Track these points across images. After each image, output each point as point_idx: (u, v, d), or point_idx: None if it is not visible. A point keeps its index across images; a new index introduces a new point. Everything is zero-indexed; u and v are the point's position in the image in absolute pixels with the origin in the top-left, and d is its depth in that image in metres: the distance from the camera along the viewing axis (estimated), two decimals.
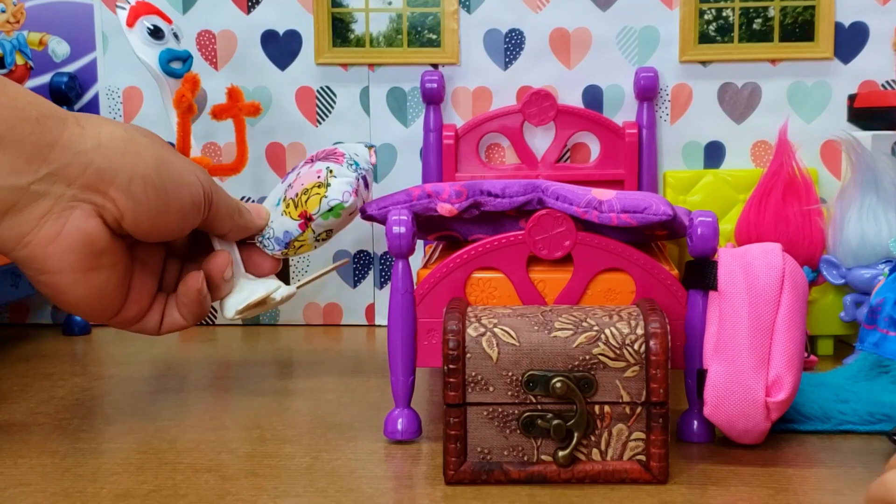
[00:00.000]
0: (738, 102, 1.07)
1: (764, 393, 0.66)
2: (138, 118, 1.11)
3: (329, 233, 0.80)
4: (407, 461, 0.69)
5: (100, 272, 0.70)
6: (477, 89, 1.09)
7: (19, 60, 1.11)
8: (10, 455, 0.71)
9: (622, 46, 1.07)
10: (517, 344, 0.63)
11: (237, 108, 0.98)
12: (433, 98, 1.05)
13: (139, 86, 1.11)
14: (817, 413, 0.74)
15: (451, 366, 0.63)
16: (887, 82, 1.05)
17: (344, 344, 1.04)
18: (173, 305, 0.76)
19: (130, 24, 0.92)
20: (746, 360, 0.66)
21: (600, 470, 0.63)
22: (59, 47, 1.11)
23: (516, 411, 0.63)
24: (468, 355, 0.63)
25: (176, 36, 0.96)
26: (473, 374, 0.63)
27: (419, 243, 1.02)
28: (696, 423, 0.71)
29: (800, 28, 1.05)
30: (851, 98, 1.02)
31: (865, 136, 0.96)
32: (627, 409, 0.63)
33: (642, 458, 0.64)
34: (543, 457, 0.63)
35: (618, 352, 0.63)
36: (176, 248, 0.79)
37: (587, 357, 0.63)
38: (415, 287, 0.72)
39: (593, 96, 1.08)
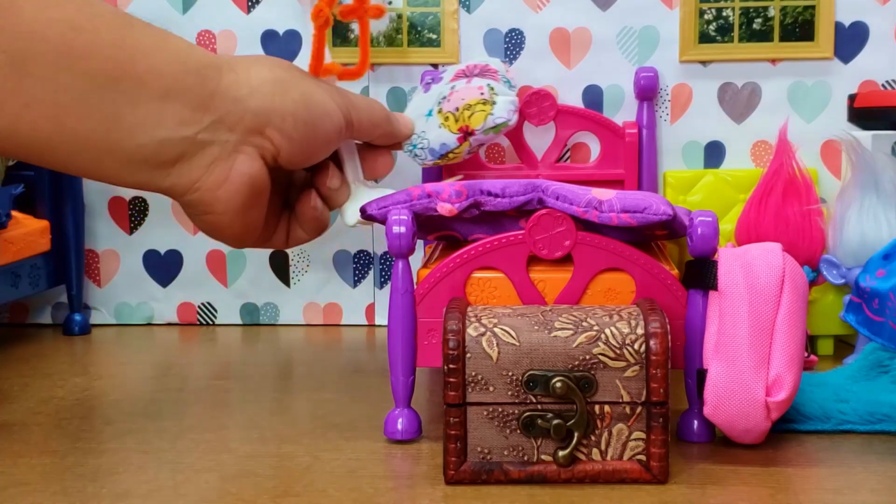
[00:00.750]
0: (738, 102, 1.07)
1: (764, 393, 0.66)
2: None
3: (480, 146, 0.84)
4: (407, 461, 0.69)
5: (256, 209, 0.75)
6: None
7: None
8: (10, 455, 0.71)
9: (622, 46, 1.07)
10: (517, 344, 0.63)
11: (363, 10, 0.96)
12: None
13: None
14: (817, 413, 0.74)
15: (451, 365, 0.63)
16: (887, 82, 1.05)
17: (344, 344, 1.04)
18: (295, 220, 0.82)
19: None
20: (746, 359, 0.66)
21: (600, 470, 0.63)
22: None
23: (516, 411, 0.63)
24: (468, 355, 0.63)
25: None
26: (473, 373, 0.63)
27: (419, 243, 1.02)
28: (696, 422, 0.71)
29: (800, 28, 1.05)
30: (851, 98, 1.02)
31: (865, 136, 0.96)
32: (627, 409, 0.63)
33: (642, 457, 0.64)
34: (543, 457, 0.64)
35: (618, 351, 0.63)
36: None
37: (587, 357, 0.63)
38: (415, 287, 0.72)
39: (593, 96, 1.08)
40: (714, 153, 1.08)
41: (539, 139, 1.07)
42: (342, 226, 1.10)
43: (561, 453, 0.63)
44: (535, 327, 0.64)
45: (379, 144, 0.85)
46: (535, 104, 1.04)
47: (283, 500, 0.62)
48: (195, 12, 1.09)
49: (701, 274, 0.69)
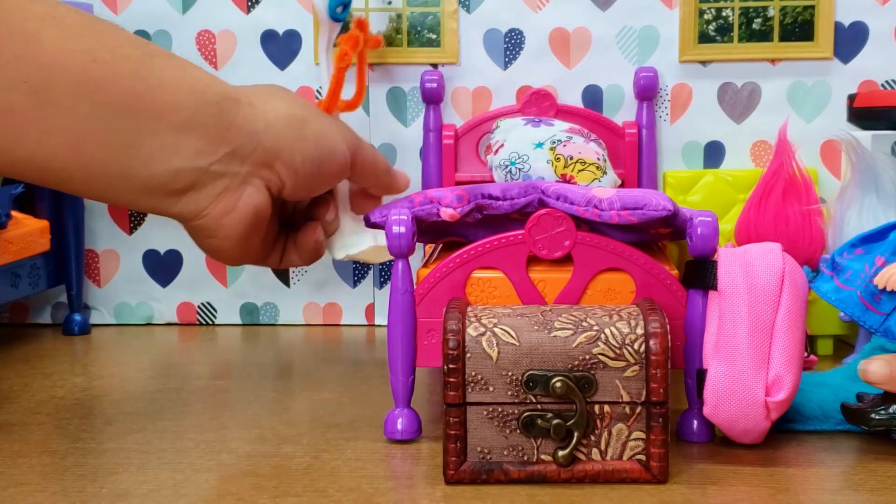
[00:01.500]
0: (738, 102, 1.07)
1: (764, 393, 0.66)
2: None
3: None
4: (407, 461, 0.69)
5: (257, 235, 0.76)
6: (477, 89, 1.09)
7: None
8: (10, 455, 0.71)
9: (622, 46, 1.07)
10: (517, 343, 0.63)
11: (363, 38, 0.94)
12: (433, 98, 1.05)
13: None
14: (816, 413, 0.74)
15: (450, 365, 0.63)
16: (887, 82, 1.05)
17: (344, 344, 1.04)
18: (292, 244, 0.83)
19: None
20: (746, 359, 0.66)
21: (600, 469, 0.63)
22: None
23: (516, 411, 0.63)
24: (468, 355, 0.63)
25: None
26: (473, 373, 0.63)
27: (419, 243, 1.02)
28: (695, 422, 0.71)
29: (799, 28, 1.06)
30: (851, 98, 1.02)
31: (865, 136, 0.96)
32: (627, 409, 0.63)
33: (642, 457, 0.64)
34: (543, 456, 0.64)
35: (618, 351, 0.63)
36: None
37: (587, 357, 0.63)
38: (415, 287, 0.72)
39: (593, 96, 1.08)
40: (714, 153, 1.08)
41: None
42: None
43: (561, 453, 0.63)
44: (535, 327, 0.64)
45: (372, 192, 0.86)
46: (535, 104, 1.04)
47: (283, 500, 0.62)
48: (195, 12, 1.09)
49: (701, 274, 0.69)
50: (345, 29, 0.94)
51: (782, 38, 1.06)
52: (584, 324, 0.64)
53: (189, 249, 1.11)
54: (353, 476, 0.66)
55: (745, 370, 0.66)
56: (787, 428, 0.73)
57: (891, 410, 0.69)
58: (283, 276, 1.12)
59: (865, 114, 0.99)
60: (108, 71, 0.67)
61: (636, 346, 0.63)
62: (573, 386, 0.62)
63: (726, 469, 0.66)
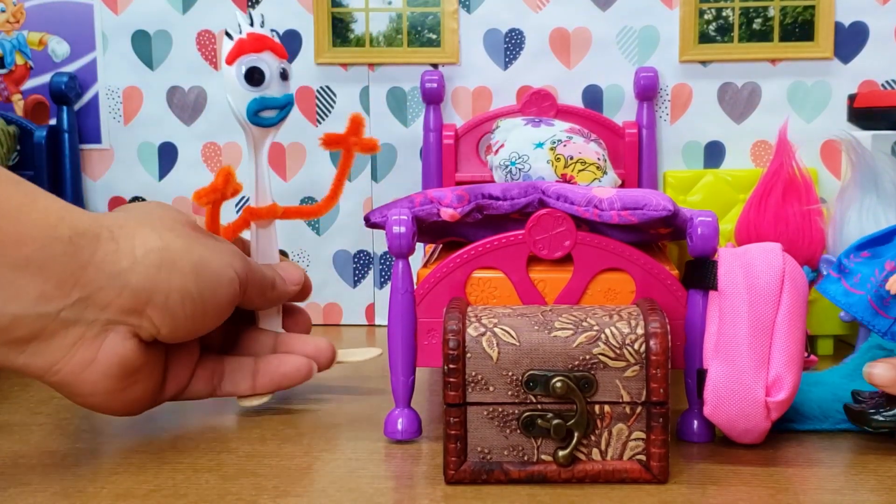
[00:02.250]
0: (738, 102, 1.07)
1: (764, 393, 0.66)
2: (137, 118, 1.11)
3: None
4: (407, 461, 0.69)
5: (136, 386, 0.69)
6: (477, 89, 1.09)
7: (19, 60, 1.11)
8: (10, 455, 0.71)
9: (622, 46, 1.07)
10: (517, 344, 0.63)
11: (352, 141, 0.82)
12: (433, 98, 1.05)
13: (139, 85, 1.11)
14: (816, 412, 0.74)
15: (451, 365, 0.63)
16: (887, 82, 1.05)
17: (344, 344, 1.04)
18: (233, 369, 0.77)
19: (229, 61, 0.77)
20: (746, 359, 0.66)
21: (600, 469, 0.63)
22: (58, 47, 1.11)
23: (516, 411, 0.63)
24: (468, 355, 0.63)
25: (283, 74, 0.80)
26: (473, 373, 0.63)
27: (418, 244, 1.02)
28: (696, 422, 0.71)
29: (800, 28, 1.05)
30: (851, 98, 1.02)
31: (865, 136, 0.96)
32: (627, 409, 0.63)
33: (642, 457, 0.64)
34: (543, 456, 0.63)
35: (618, 351, 0.63)
36: None
37: (587, 357, 0.63)
38: (415, 287, 0.72)
39: (593, 96, 1.08)
40: (714, 153, 1.08)
41: None
42: (342, 226, 1.10)
43: (561, 453, 0.63)
44: (535, 327, 0.64)
45: (260, 308, 0.80)
46: (536, 104, 1.04)
47: (284, 500, 0.62)
48: (195, 12, 1.09)
49: (701, 274, 0.69)
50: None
51: (782, 38, 1.06)
52: (585, 324, 0.64)
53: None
54: (354, 476, 0.66)
55: (746, 370, 0.66)
56: (786, 428, 0.73)
57: (894, 412, 0.69)
58: None
59: (866, 114, 0.99)
60: None
61: (636, 346, 0.63)
62: (573, 386, 0.62)
63: (726, 469, 0.66)
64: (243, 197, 1.10)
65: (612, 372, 0.63)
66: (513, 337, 0.63)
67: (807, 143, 1.05)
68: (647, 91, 1.05)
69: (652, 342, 0.63)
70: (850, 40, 1.05)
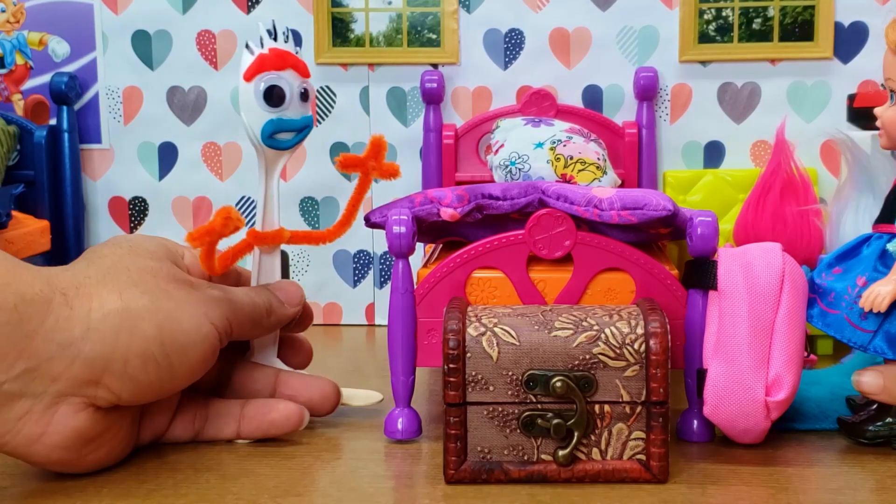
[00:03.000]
0: (738, 102, 1.07)
1: (764, 392, 0.66)
2: (137, 118, 1.11)
3: None
4: (407, 461, 0.69)
5: (99, 451, 0.65)
6: (477, 89, 1.09)
7: (19, 60, 1.11)
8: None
9: (622, 46, 1.07)
10: (517, 343, 0.63)
11: (371, 165, 0.75)
12: (433, 98, 1.05)
13: (139, 85, 1.11)
14: (815, 411, 0.74)
15: (451, 365, 0.63)
16: None
17: (344, 343, 1.05)
18: (218, 413, 0.72)
19: (248, 77, 0.71)
20: (746, 359, 0.66)
21: (600, 469, 0.63)
22: (59, 47, 1.11)
23: (516, 411, 0.63)
24: (468, 355, 0.63)
25: (304, 94, 0.73)
26: (473, 373, 0.63)
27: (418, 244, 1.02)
28: (695, 422, 0.71)
29: (799, 28, 1.06)
30: (851, 98, 1.02)
31: (865, 136, 0.96)
32: (627, 409, 0.63)
33: (642, 457, 0.64)
34: (543, 456, 0.64)
35: (618, 351, 0.63)
36: None
37: (587, 356, 0.63)
38: (415, 287, 0.72)
39: (593, 96, 1.08)
40: (714, 153, 1.08)
41: None
42: None
43: (561, 453, 0.63)
44: (535, 327, 0.64)
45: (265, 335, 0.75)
46: (535, 104, 1.04)
47: (284, 499, 0.62)
48: (195, 12, 1.09)
49: (701, 274, 0.69)
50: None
51: (782, 38, 1.06)
52: (585, 323, 0.64)
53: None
54: (354, 476, 0.66)
55: (745, 370, 0.66)
56: (786, 427, 0.73)
57: (886, 421, 0.69)
58: (284, 276, 1.12)
59: (865, 114, 0.99)
60: None
61: (636, 346, 0.63)
62: (573, 385, 0.62)
63: (726, 469, 0.66)
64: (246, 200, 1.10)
65: (612, 371, 0.63)
66: (513, 336, 0.63)
67: (806, 143, 1.05)
68: (647, 91, 1.05)
69: (652, 342, 0.63)
70: (850, 40, 1.06)
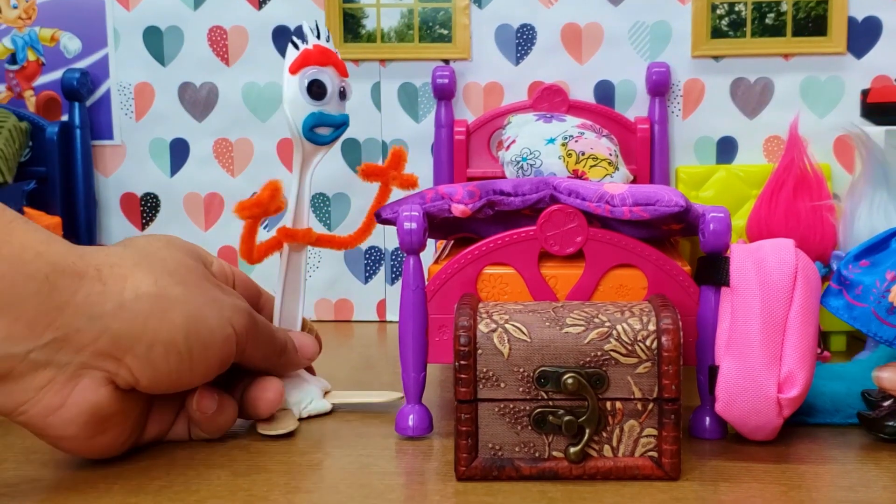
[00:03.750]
0: (751, 97, 1.07)
1: (776, 389, 0.65)
2: (149, 115, 1.11)
3: None
4: (418, 457, 0.69)
5: (108, 433, 0.65)
6: (488, 84, 1.08)
7: (31, 56, 1.11)
8: (23, 451, 0.71)
9: (634, 41, 1.07)
10: (528, 340, 0.63)
11: (392, 175, 0.77)
12: (444, 93, 1.05)
13: (150, 81, 1.11)
14: (828, 406, 0.74)
15: (462, 362, 0.63)
16: None
17: (355, 340, 1.05)
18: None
19: (293, 70, 0.73)
20: (759, 356, 0.65)
21: (612, 466, 0.63)
22: (70, 43, 1.12)
23: (528, 407, 0.63)
24: (479, 351, 0.63)
25: (343, 94, 0.76)
26: (485, 370, 0.63)
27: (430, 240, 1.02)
28: (708, 419, 0.71)
29: (812, 22, 1.05)
30: (864, 93, 1.01)
31: (879, 132, 0.95)
32: (639, 406, 0.63)
33: (654, 454, 0.63)
34: (555, 453, 0.63)
35: (629, 348, 0.63)
36: None
37: (599, 353, 0.62)
38: (426, 283, 0.72)
39: (605, 91, 1.08)
40: (726, 148, 1.08)
41: None
42: (353, 222, 1.11)
43: (572, 450, 0.63)
44: (547, 323, 0.63)
45: (270, 373, 0.74)
46: (547, 99, 1.04)
47: (295, 495, 0.62)
48: (207, 8, 1.09)
49: (713, 270, 0.69)
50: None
51: (795, 33, 1.05)
52: (596, 320, 0.64)
53: (202, 245, 1.11)
54: (365, 472, 0.66)
55: (758, 367, 0.65)
56: (798, 421, 0.73)
57: None
58: None
59: (879, 109, 0.99)
60: None
61: (648, 343, 0.63)
62: (585, 382, 0.62)
63: (738, 466, 0.66)
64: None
65: (624, 368, 0.63)
66: (524, 333, 0.63)
67: (819, 139, 1.05)
68: (659, 86, 1.04)
69: (664, 338, 0.62)
70: (864, 35, 1.05)
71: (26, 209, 1.02)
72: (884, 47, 1.05)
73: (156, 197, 1.12)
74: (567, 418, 0.62)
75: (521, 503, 0.60)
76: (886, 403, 0.70)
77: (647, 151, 1.04)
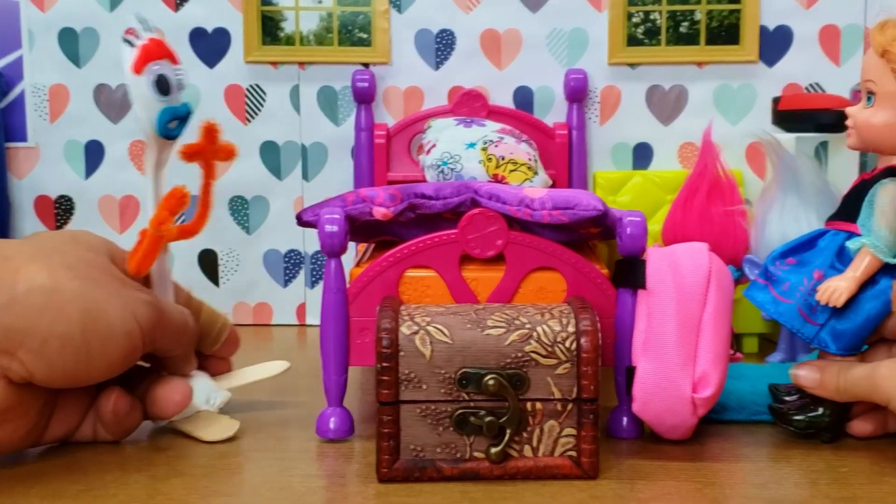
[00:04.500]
0: (666, 104, 1.09)
1: (691, 389, 0.67)
2: (64, 116, 1.09)
3: None
4: (339, 460, 0.69)
5: (4, 427, 0.64)
6: (408, 89, 1.09)
7: None
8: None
9: (552, 48, 1.08)
10: (450, 342, 0.63)
11: (211, 150, 0.75)
12: (364, 97, 1.05)
13: (65, 83, 1.09)
14: (733, 404, 0.76)
15: (384, 364, 0.63)
16: (811, 85, 1.08)
17: (275, 343, 1.04)
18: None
19: (138, 69, 0.70)
20: (674, 357, 0.67)
21: (532, 466, 0.64)
22: None
23: (449, 409, 0.63)
24: (401, 353, 0.63)
25: (180, 83, 0.73)
26: (406, 371, 0.63)
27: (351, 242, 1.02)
28: (625, 419, 0.72)
29: (726, 31, 1.07)
30: (776, 101, 1.04)
31: (790, 138, 0.97)
32: (559, 406, 0.64)
33: (573, 453, 0.64)
34: (476, 454, 0.64)
35: (549, 349, 0.63)
36: None
37: (519, 354, 0.63)
38: (347, 286, 0.72)
39: (524, 97, 1.09)
40: (642, 154, 1.09)
41: None
42: (272, 225, 1.10)
43: (493, 450, 0.63)
44: (468, 325, 0.64)
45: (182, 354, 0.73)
46: (467, 104, 1.05)
47: (215, 499, 0.61)
48: (123, 9, 1.08)
49: (630, 273, 0.70)
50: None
51: (709, 42, 1.08)
52: (517, 322, 0.64)
53: None
54: (285, 475, 0.65)
55: (673, 367, 0.67)
56: (707, 418, 0.74)
57: (813, 413, 0.71)
58: (212, 275, 1.11)
59: (790, 116, 1.01)
60: None
61: (567, 344, 0.63)
62: (506, 383, 0.63)
63: (655, 464, 0.67)
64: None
65: (544, 369, 0.63)
66: (446, 335, 0.63)
67: (732, 146, 1.07)
68: (577, 93, 1.06)
69: (583, 340, 0.63)
70: (775, 44, 1.08)
71: None
72: (794, 56, 1.07)
73: (70, 199, 1.11)
74: (488, 419, 0.63)
75: None
76: (791, 398, 0.72)
77: (565, 156, 1.05)
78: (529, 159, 0.91)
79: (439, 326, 0.64)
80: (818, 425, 0.71)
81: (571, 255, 0.71)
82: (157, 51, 0.71)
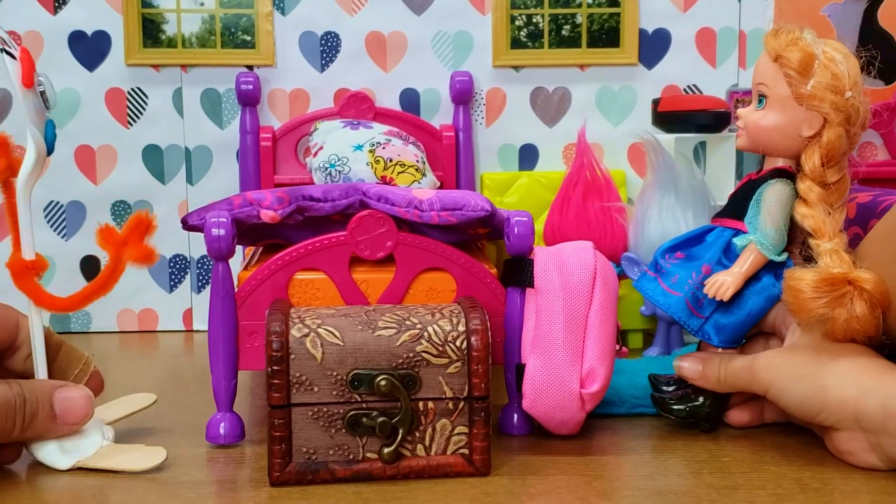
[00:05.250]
0: (550, 106, 1.11)
1: (579, 385, 0.68)
2: None
3: None
4: (230, 465, 0.68)
5: None
6: (294, 91, 1.08)
7: None
8: None
9: (437, 50, 1.09)
10: (341, 344, 0.63)
11: (127, 249, 0.71)
12: (249, 100, 1.04)
13: None
14: (613, 398, 0.78)
15: (274, 367, 0.63)
16: (689, 87, 1.10)
17: (161, 350, 1.02)
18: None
19: (29, 83, 0.64)
20: (562, 353, 0.68)
21: (425, 465, 0.64)
22: None
23: (341, 410, 0.63)
24: (292, 356, 0.63)
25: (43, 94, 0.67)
26: (298, 374, 0.63)
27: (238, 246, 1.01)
28: (515, 416, 0.73)
29: (606, 34, 1.09)
30: (655, 102, 1.06)
31: (669, 139, 1.00)
32: (450, 405, 0.64)
33: (465, 451, 0.65)
34: (369, 454, 0.64)
35: (440, 349, 0.64)
36: None
37: (411, 355, 0.63)
38: (236, 290, 0.71)
39: (410, 99, 1.09)
40: (528, 155, 1.11)
41: None
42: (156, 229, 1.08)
43: (386, 450, 0.64)
44: (359, 327, 0.64)
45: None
46: (354, 107, 1.05)
47: None
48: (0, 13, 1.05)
49: (518, 272, 0.71)
50: None
51: (590, 45, 1.09)
52: (408, 322, 0.65)
53: None
54: (175, 483, 0.65)
55: (561, 364, 0.68)
56: (593, 412, 0.75)
57: (693, 403, 0.73)
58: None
59: (669, 117, 1.03)
60: None
61: (458, 343, 0.64)
62: (398, 384, 0.63)
63: (545, 459, 0.68)
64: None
65: (435, 369, 0.64)
66: (337, 337, 0.63)
67: (614, 146, 1.09)
68: (463, 95, 1.07)
69: (473, 339, 0.64)
70: (654, 47, 1.10)
71: None
72: (673, 58, 1.10)
73: None
74: (381, 420, 0.63)
75: None
76: (669, 389, 0.75)
77: (452, 158, 1.06)
78: (417, 161, 0.92)
79: (330, 328, 0.64)
80: (698, 415, 0.73)
81: (460, 256, 0.72)
82: (32, 63, 0.65)
